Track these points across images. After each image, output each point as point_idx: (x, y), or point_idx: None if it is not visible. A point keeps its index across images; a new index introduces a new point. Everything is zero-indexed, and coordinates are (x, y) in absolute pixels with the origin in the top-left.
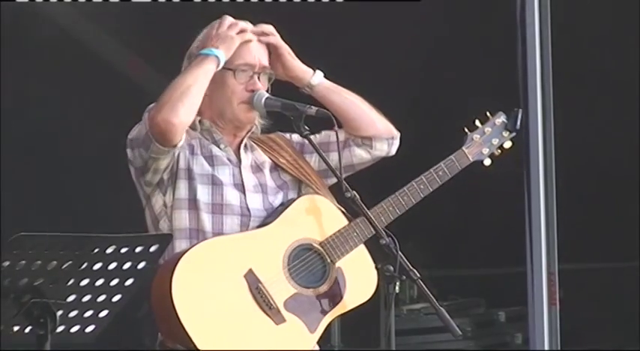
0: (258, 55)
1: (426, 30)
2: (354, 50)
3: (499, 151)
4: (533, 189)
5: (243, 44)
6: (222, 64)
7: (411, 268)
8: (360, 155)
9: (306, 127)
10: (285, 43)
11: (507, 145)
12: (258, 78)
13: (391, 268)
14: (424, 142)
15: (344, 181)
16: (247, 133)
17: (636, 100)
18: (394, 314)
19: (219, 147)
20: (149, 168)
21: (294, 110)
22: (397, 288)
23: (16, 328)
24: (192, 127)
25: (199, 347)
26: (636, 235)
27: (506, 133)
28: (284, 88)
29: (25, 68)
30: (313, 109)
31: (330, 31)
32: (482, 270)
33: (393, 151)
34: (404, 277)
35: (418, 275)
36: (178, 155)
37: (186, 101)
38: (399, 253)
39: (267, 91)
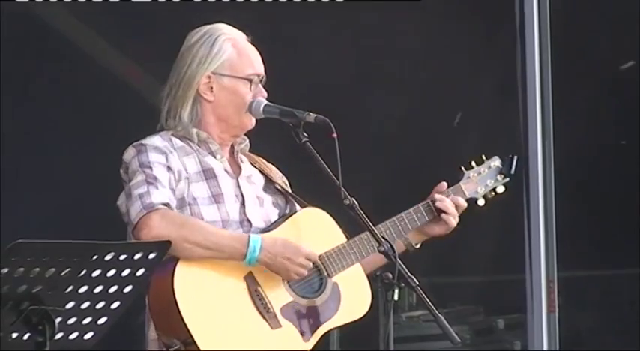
0: (259, 62)
1: (426, 30)
2: (354, 50)
3: (492, 194)
4: (532, 196)
5: (251, 52)
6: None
7: (410, 275)
8: None
9: (305, 134)
10: (283, 42)
11: (500, 190)
12: (260, 84)
13: (390, 275)
14: (420, 141)
15: (342, 188)
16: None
17: (637, 102)
18: (393, 321)
19: (215, 158)
20: None
21: (293, 117)
22: (396, 295)
23: (14, 335)
24: (190, 138)
25: (197, 340)
26: (635, 242)
27: (500, 177)
28: (279, 94)
29: (25, 70)
30: (312, 116)
31: (329, 32)
32: (482, 277)
33: None
34: (403, 284)
35: (417, 282)
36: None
37: (187, 247)
38: (398, 260)
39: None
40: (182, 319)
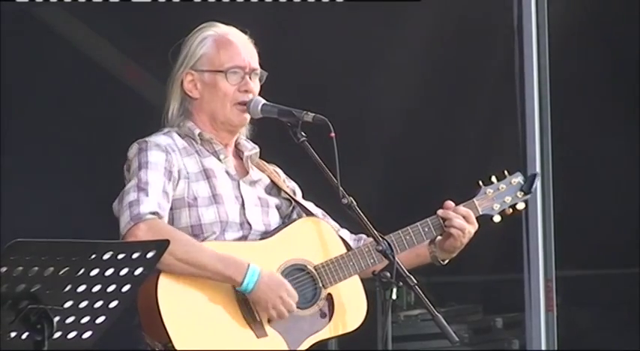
0: (247, 56)
1: (426, 30)
2: (354, 51)
3: (511, 210)
4: (531, 195)
5: (233, 46)
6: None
7: (408, 274)
8: None
9: (303, 134)
10: (284, 43)
11: (521, 206)
12: (250, 78)
13: (388, 274)
14: (419, 140)
15: (340, 187)
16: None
17: (636, 104)
18: (391, 320)
19: (219, 158)
20: None
21: (291, 116)
22: (394, 294)
23: (13, 335)
24: (194, 138)
25: (175, 345)
26: (634, 242)
27: (520, 194)
28: (279, 93)
29: (25, 70)
30: (310, 116)
31: (329, 32)
32: (480, 276)
33: None
34: (401, 284)
35: (415, 281)
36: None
37: (170, 262)
38: (396, 259)
39: (259, 92)
40: (163, 323)
